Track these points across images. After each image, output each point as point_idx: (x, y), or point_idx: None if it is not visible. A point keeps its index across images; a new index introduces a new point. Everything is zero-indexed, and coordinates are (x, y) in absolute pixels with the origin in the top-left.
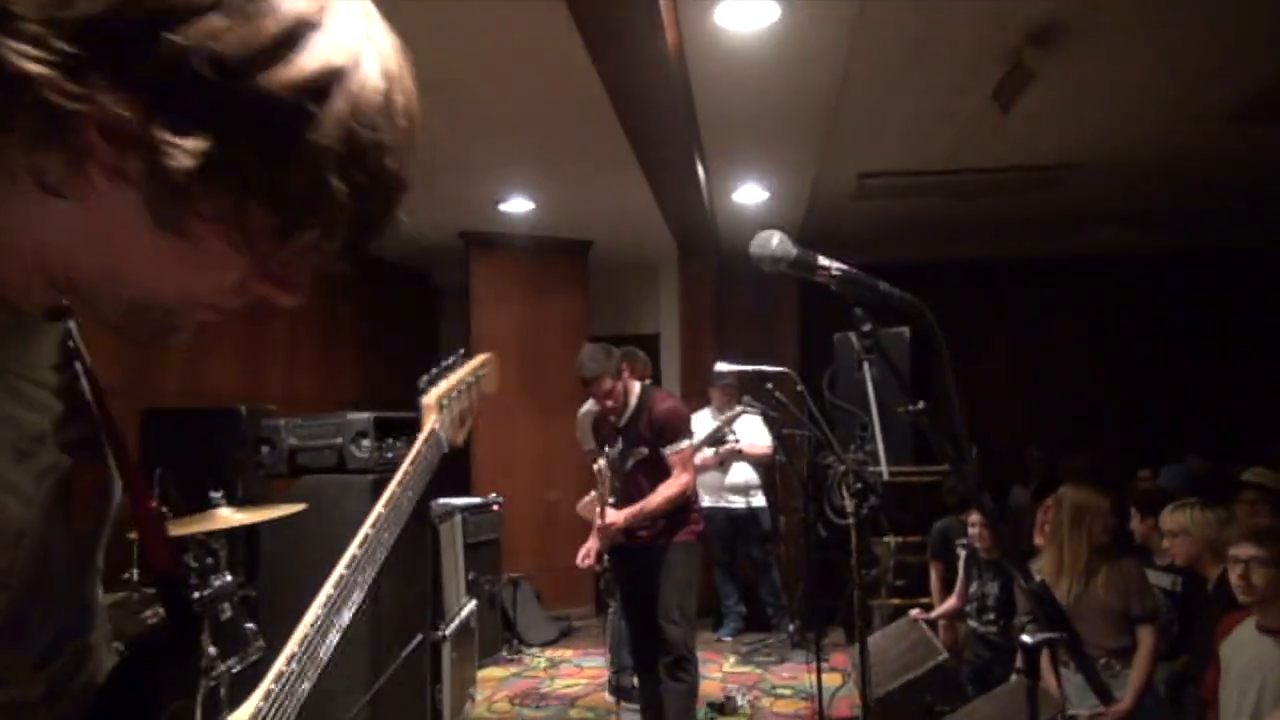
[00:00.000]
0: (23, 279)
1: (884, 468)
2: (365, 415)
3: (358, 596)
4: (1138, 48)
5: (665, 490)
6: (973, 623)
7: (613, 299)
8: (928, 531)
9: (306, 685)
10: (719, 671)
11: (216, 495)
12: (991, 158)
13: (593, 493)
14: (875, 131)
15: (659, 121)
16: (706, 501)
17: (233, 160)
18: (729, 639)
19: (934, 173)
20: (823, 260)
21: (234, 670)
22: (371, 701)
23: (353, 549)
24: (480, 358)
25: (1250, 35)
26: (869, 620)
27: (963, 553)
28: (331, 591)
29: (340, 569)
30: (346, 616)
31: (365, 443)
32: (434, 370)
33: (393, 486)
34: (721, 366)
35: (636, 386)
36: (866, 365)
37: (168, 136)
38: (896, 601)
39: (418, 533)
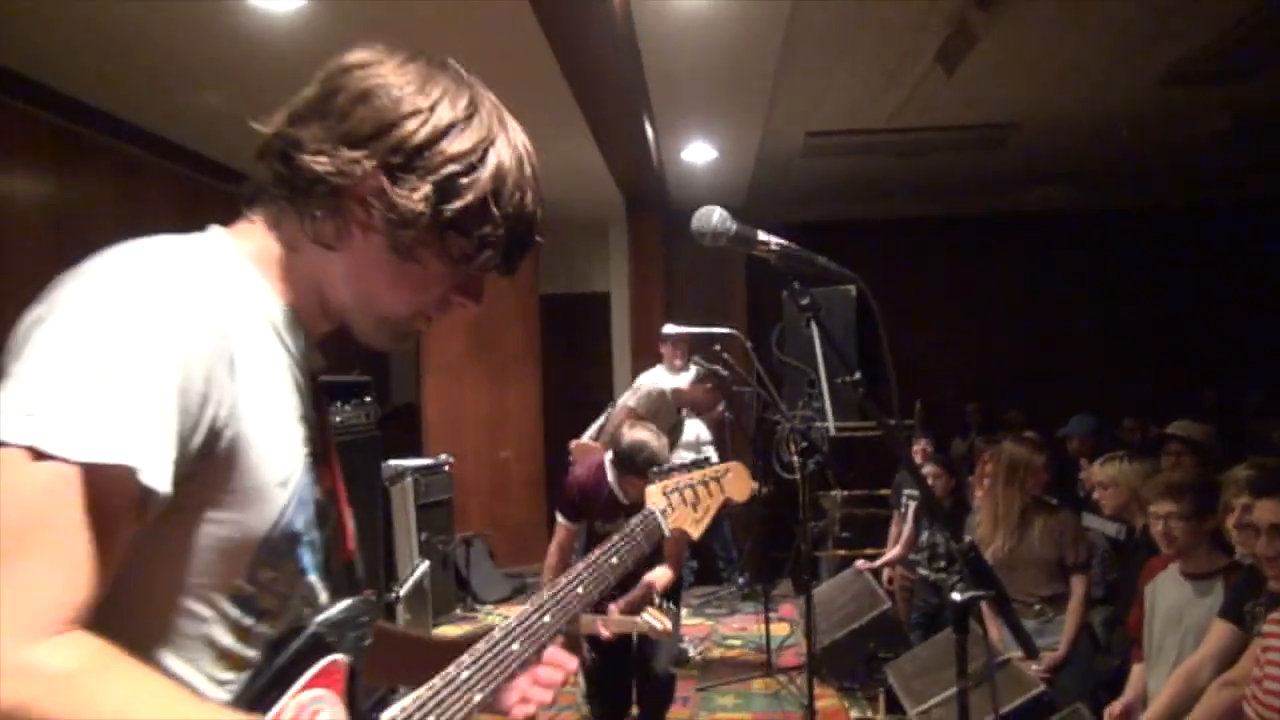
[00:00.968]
0: (311, 309)
1: (830, 423)
2: None
3: (546, 641)
4: (1076, 13)
5: (658, 579)
6: (924, 570)
7: (562, 257)
8: (873, 485)
9: (478, 697)
10: None
11: None
12: (935, 117)
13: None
14: (822, 91)
15: (606, 79)
16: None
17: (436, 205)
18: (682, 590)
19: (879, 131)
20: (762, 235)
21: None
22: None
23: (549, 598)
24: (725, 466)
25: (1181, 3)
26: (816, 572)
27: (912, 503)
28: (530, 629)
29: (544, 616)
30: (523, 653)
31: None
32: (667, 466)
33: (597, 552)
34: (670, 329)
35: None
36: (814, 327)
37: (404, 195)
38: (843, 553)
39: (369, 496)
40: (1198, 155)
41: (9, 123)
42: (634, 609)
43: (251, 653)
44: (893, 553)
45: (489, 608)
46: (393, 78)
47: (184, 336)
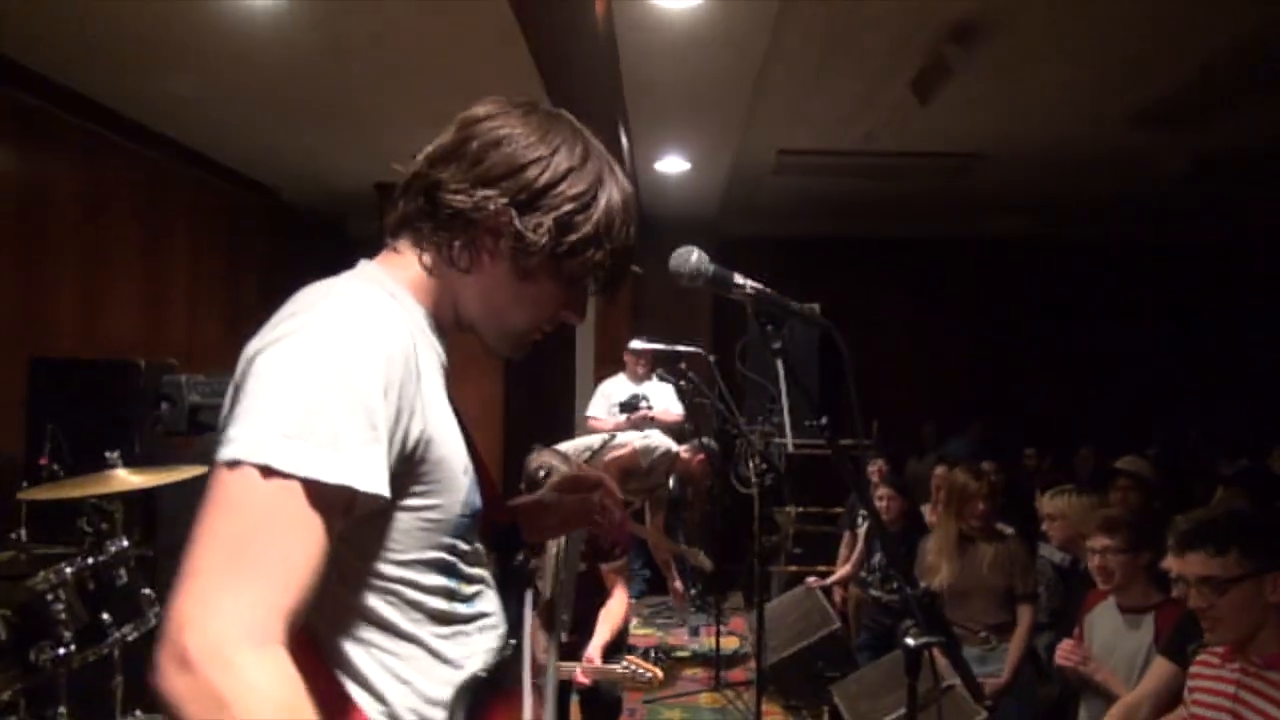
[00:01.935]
0: (448, 320)
1: (789, 440)
2: None
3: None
4: (1051, 50)
5: (614, 620)
6: (874, 591)
7: None
8: (828, 503)
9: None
10: None
11: (112, 455)
12: (906, 143)
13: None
14: (797, 110)
15: (583, 88)
16: None
17: (556, 237)
18: (633, 600)
19: (851, 153)
20: (738, 279)
21: (129, 638)
22: None
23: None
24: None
25: (1153, 47)
26: (767, 586)
27: (865, 523)
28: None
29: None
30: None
31: None
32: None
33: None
34: (636, 344)
35: None
36: (780, 365)
37: (529, 228)
38: (794, 569)
39: None
40: (1161, 195)
41: None
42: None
43: (462, 608)
44: (842, 571)
45: None
46: (519, 128)
47: (384, 360)
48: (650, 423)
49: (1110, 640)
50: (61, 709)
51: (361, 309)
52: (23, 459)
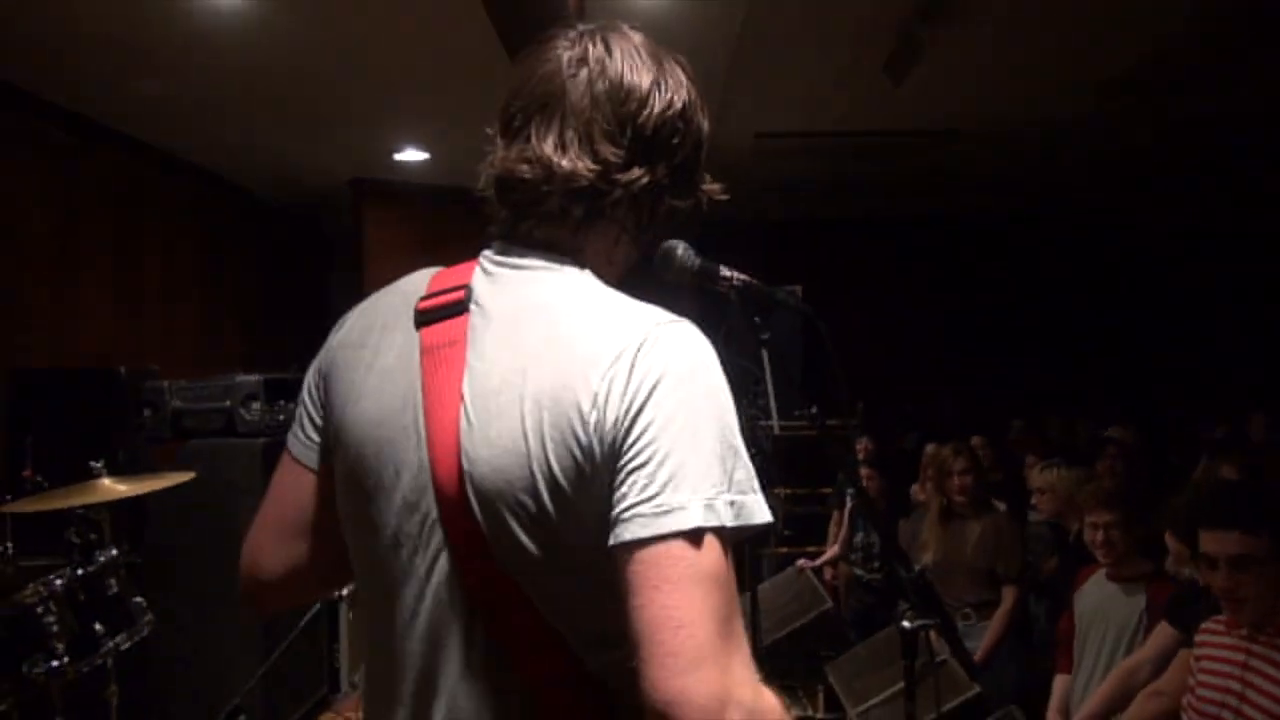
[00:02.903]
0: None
1: (775, 422)
2: (255, 377)
3: None
4: (1021, 24)
5: None
6: (858, 570)
7: None
8: (817, 483)
9: None
10: None
11: (97, 464)
12: (883, 122)
13: None
14: (771, 93)
15: None
16: None
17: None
18: None
19: (828, 134)
20: (725, 271)
21: (123, 648)
22: (272, 664)
23: None
24: None
25: (1122, 18)
26: (759, 569)
27: (849, 502)
28: None
29: None
30: None
31: (255, 405)
32: None
33: None
34: None
35: None
36: (764, 354)
37: (678, 202)
38: (784, 550)
39: None
40: (1135, 164)
41: None
42: None
43: None
44: (832, 550)
45: None
46: (675, 96)
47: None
48: None
49: (1101, 609)
50: None
51: (702, 335)
52: (4, 472)
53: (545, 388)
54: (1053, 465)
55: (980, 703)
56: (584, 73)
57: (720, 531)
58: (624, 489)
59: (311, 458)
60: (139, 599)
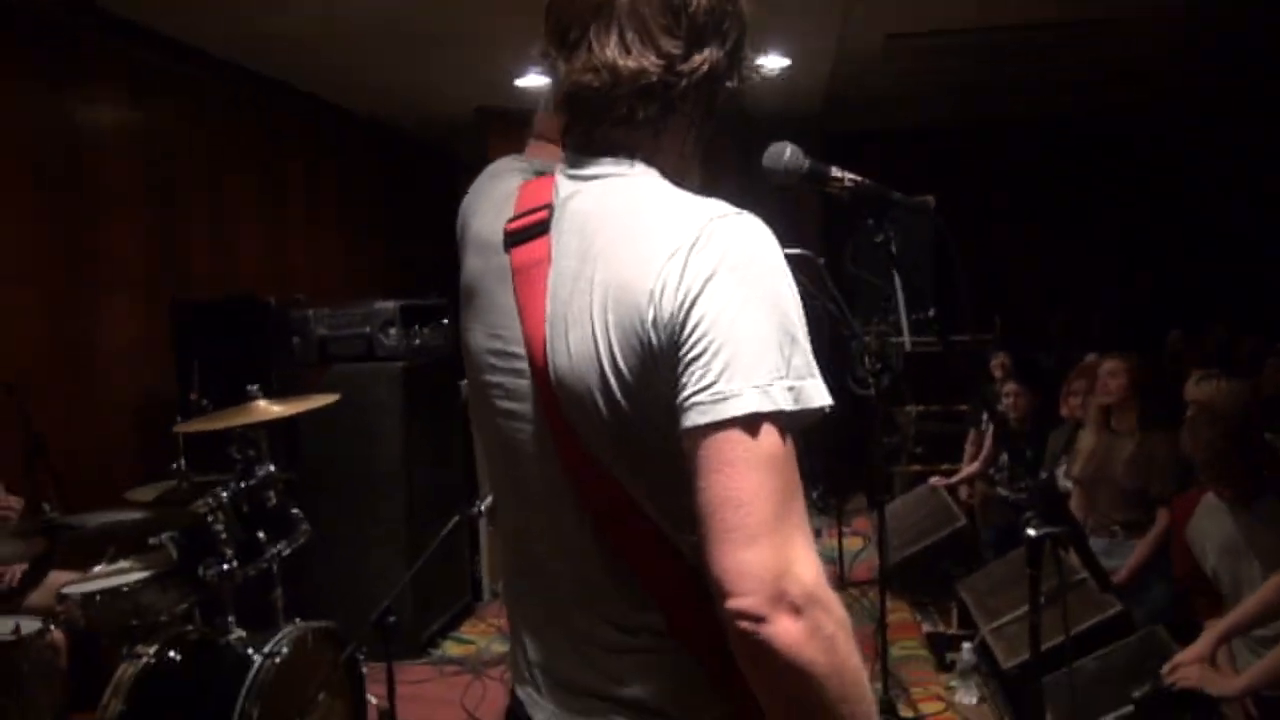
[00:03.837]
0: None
1: (906, 338)
2: (392, 304)
3: None
4: None
5: None
6: (1003, 490)
7: None
8: (950, 401)
9: None
10: None
11: (253, 388)
12: (1027, 13)
13: None
14: None
15: None
16: None
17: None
18: None
19: (965, 31)
20: (835, 171)
21: (284, 554)
22: (416, 574)
23: None
24: None
25: None
26: (890, 487)
27: (988, 421)
28: None
29: None
30: None
31: (393, 330)
32: None
33: None
34: None
35: None
36: (890, 257)
37: (737, 79)
38: (917, 468)
39: (449, 415)
40: None
41: (96, 56)
42: None
43: None
44: (970, 468)
45: None
46: None
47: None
48: None
49: (1231, 538)
50: (231, 618)
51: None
52: (176, 395)
53: (610, 290)
54: (1210, 376)
55: (1123, 620)
56: None
57: (777, 417)
58: (684, 379)
59: None
60: (296, 510)
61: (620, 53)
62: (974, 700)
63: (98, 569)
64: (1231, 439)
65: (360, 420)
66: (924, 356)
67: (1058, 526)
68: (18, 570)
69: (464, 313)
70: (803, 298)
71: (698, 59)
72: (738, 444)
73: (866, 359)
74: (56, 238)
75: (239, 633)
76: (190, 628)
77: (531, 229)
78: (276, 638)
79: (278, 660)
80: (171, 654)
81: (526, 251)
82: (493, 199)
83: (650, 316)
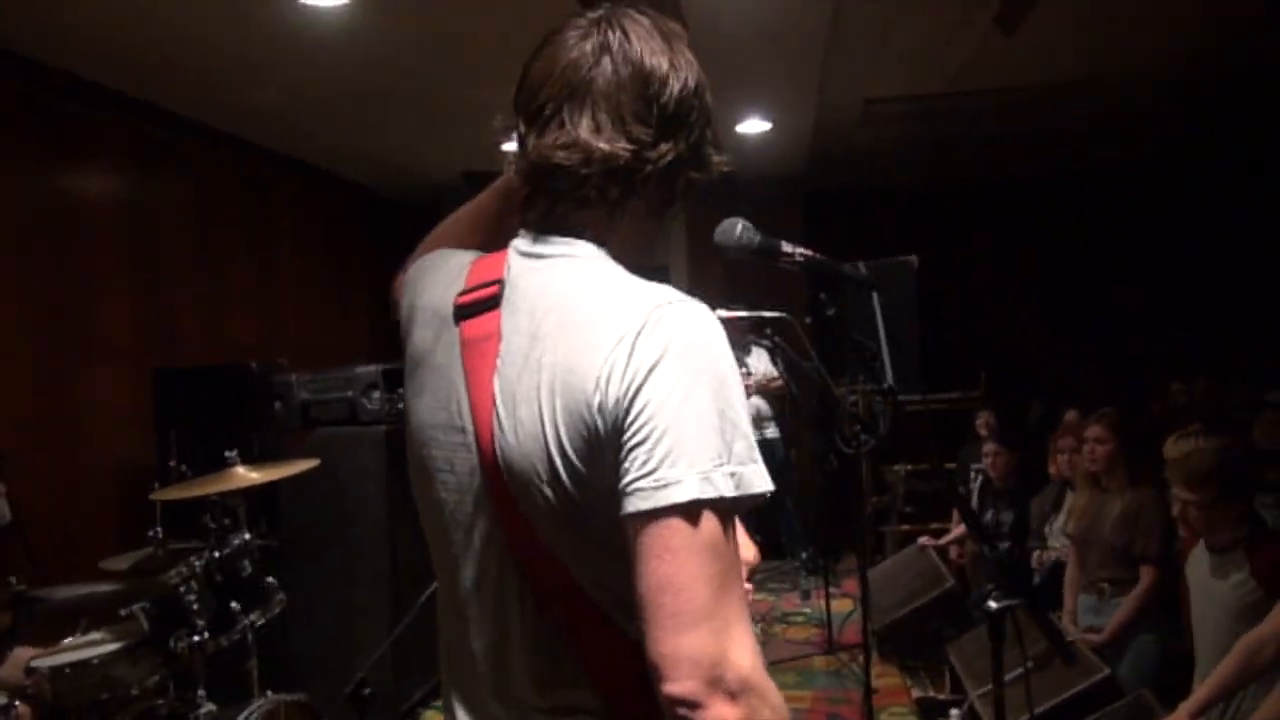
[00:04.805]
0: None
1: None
2: (374, 368)
3: None
4: None
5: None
6: (987, 549)
7: None
8: (939, 460)
9: None
10: None
11: (231, 454)
12: (998, 79)
13: None
14: (879, 56)
15: None
16: None
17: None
18: None
19: (940, 96)
20: (786, 246)
21: (258, 624)
22: (396, 641)
23: None
24: None
25: None
26: (881, 546)
27: (978, 479)
28: None
29: None
30: None
31: (376, 394)
32: None
33: None
34: (721, 314)
35: None
36: (881, 329)
37: (695, 175)
38: (906, 528)
39: None
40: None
41: (84, 128)
42: None
43: None
44: (959, 529)
45: None
46: (688, 75)
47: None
48: (748, 391)
49: (1206, 580)
50: (201, 691)
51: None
52: (155, 463)
53: (558, 373)
54: (1189, 435)
55: (1109, 685)
56: (606, 60)
57: (718, 503)
58: (627, 464)
59: None
60: (271, 579)
61: (592, 134)
62: None
63: (67, 641)
64: (1213, 499)
65: (342, 485)
66: (914, 415)
67: (1017, 599)
68: None
69: (409, 385)
70: (786, 360)
71: (665, 147)
72: (678, 531)
73: (849, 420)
74: (41, 309)
75: (209, 706)
76: (161, 701)
77: (482, 303)
78: (247, 711)
79: None
80: None
81: (477, 325)
82: (445, 271)
83: (596, 402)
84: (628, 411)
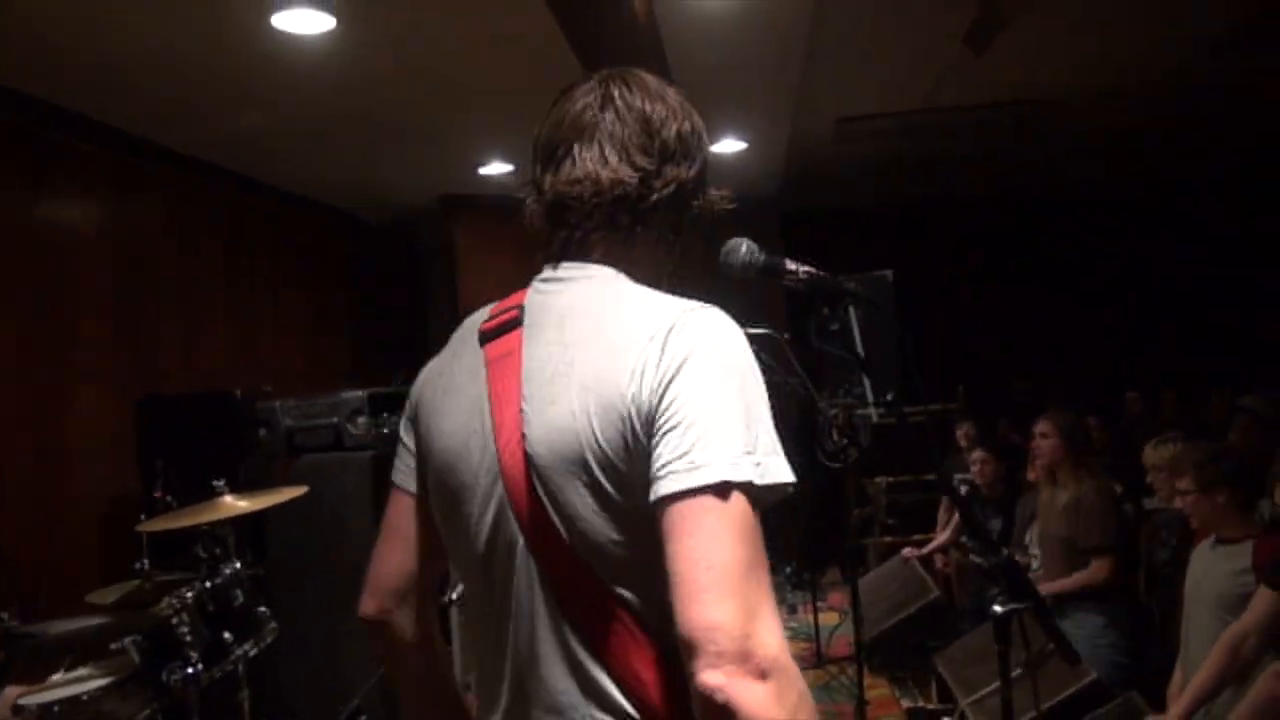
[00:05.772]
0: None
1: (872, 410)
2: (359, 393)
3: None
4: None
5: None
6: (976, 558)
7: None
8: (921, 471)
9: None
10: None
11: (219, 483)
12: (969, 97)
13: None
14: (851, 76)
15: None
16: None
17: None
18: None
19: (912, 113)
20: (790, 264)
21: (251, 654)
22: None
23: None
24: None
25: None
26: (864, 559)
27: (963, 489)
28: None
29: None
30: None
31: (361, 419)
32: None
33: None
34: None
35: None
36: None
37: (701, 201)
38: (889, 540)
39: None
40: (1261, 121)
41: (64, 157)
42: None
43: None
44: (941, 538)
45: None
46: (686, 120)
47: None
48: None
49: (1206, 575)
50: None
51: (729, 319)
52: (141, 494)
53: (591, 371)
54: (1166, 441)
55: (1097, 688)
56: (611, 108)
57: (747, 488)
58: (660, 449)
59: (411, 483)
60: (263, 608)
61: (600, 165)
62: None
63: (55, 677)
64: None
65: (329, 511)
66: (891, 428)
67: (1023, 602)
68: None
69: (428, 421)
70: (769, 375)
71: (670, 174)
72: (710, 509)
73: (834, 432)
74: (23, 338)
75: None
76: None
77: (505, 326)
78: None
79: None
80: None
81: (500, 345)
82: (463, 326)
83: (630, 394)
84: (661, 399)
